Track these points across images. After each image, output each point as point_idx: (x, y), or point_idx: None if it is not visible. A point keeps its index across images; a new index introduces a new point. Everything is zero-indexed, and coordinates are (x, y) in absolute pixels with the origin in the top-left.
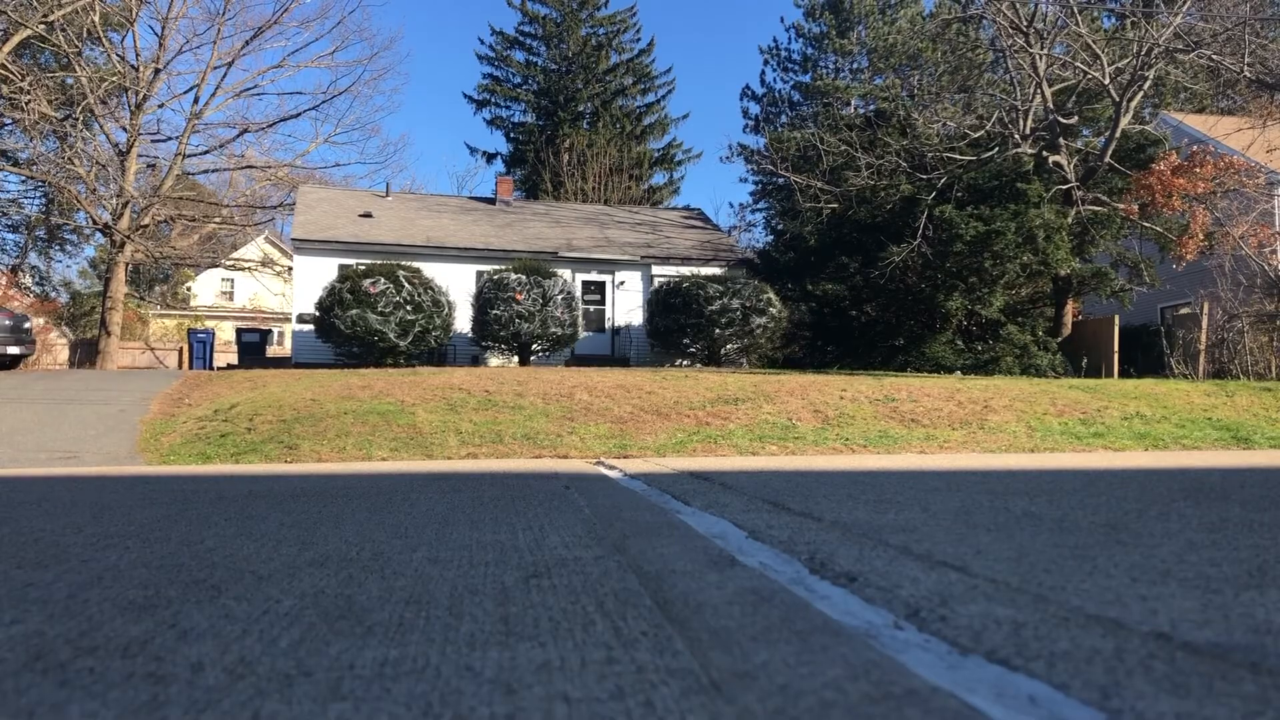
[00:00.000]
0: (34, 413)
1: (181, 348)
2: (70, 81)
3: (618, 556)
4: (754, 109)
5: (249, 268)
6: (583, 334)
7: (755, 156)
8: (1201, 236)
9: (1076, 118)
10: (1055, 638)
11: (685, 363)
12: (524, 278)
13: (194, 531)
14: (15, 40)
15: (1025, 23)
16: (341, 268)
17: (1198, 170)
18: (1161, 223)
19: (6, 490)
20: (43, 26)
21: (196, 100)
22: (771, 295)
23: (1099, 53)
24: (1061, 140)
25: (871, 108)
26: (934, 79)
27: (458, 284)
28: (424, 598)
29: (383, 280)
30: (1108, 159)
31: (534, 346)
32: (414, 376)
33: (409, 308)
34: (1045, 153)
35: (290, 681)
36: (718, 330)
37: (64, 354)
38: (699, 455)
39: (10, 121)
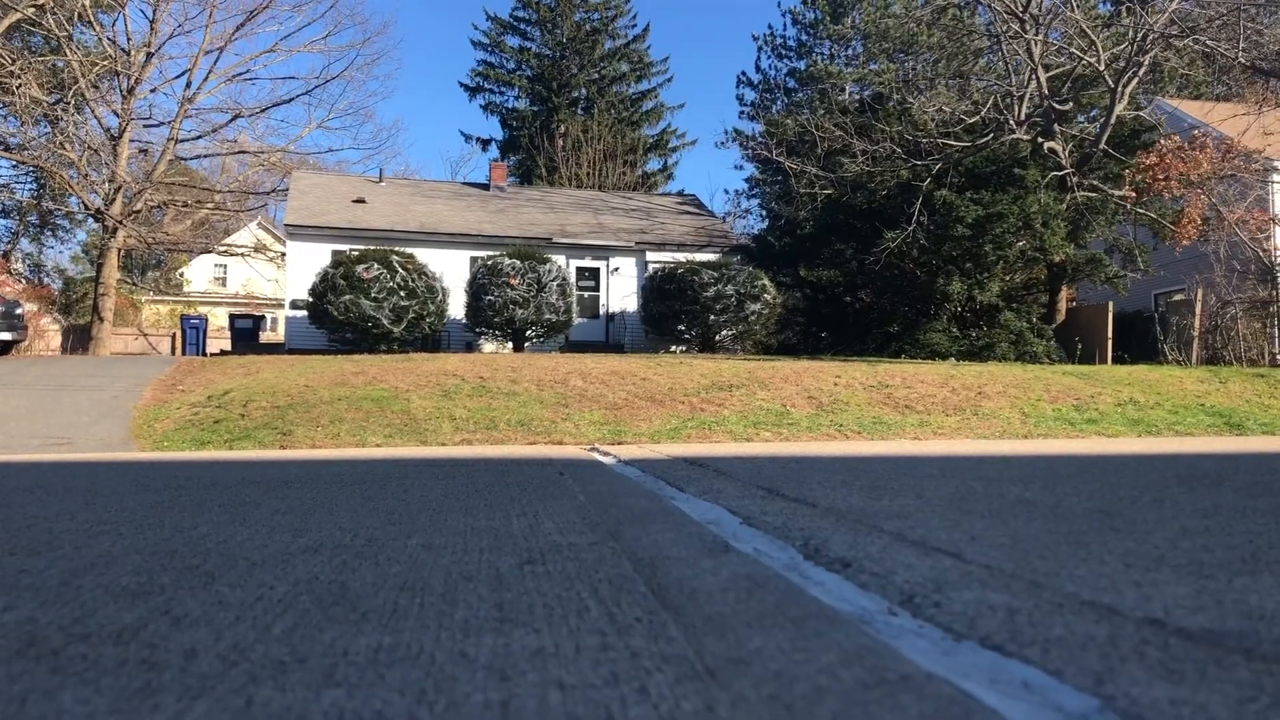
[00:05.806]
0: (27, 399)
1: (175, 334)
2: (61, 65)
3: (612, 543)
4: (749, 95)
5: (242, 253)
6: (577, 320)
7: (751, 142)
8: (1199, 220)
9: (1072, 104)
10: (1049, 624)
11: (680, 349)
12: (518, 263)
13: (187, 518)
14: (5, 23)
15: (1021, 8)
16: (335, 253)
17: (1199, 154)
18: (1157, 208)
19: None
20: (32, 9)
21: (189, 85)
22: (766, 281)
23: (1094, 39)
24: (1057, 126)
25: (867, 93)
26: (929, 65)
27: (452, 270)
28: (418, 584)
29: (376, 266)
30: (1103, 145)
31: (528, 333)
32: (408, 363)
33: (403, 294)
34: (1040, 139)
35: (284, 668)
36: (712, 317)
37: (57, 340)
38: (693, 441)
39: (1, 106)
